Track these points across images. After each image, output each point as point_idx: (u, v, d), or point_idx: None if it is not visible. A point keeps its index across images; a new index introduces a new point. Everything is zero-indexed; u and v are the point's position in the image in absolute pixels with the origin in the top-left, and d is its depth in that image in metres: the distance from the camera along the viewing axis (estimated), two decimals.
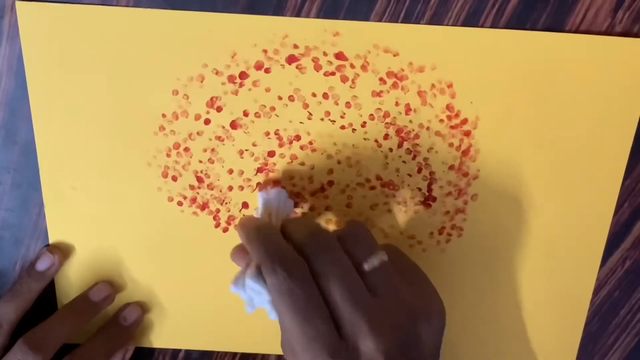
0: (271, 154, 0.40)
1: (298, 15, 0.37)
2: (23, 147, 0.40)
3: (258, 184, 0.40)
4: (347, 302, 0.32)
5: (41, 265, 0.41)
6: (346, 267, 0.33)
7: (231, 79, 0.38)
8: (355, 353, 0.31)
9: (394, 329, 0.32)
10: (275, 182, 0.40)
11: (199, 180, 0.40)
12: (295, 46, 0.38)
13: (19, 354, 0.38)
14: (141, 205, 0.41)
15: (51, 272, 0.41)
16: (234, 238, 0.42)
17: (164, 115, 0.39)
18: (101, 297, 0.42)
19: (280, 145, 0.40)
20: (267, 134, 0.39)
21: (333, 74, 0.38)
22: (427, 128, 0.39)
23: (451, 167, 0.40)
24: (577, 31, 0.38)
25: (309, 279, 0.32)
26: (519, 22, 0.38)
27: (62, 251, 0.42)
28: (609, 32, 0.38)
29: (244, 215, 0.41)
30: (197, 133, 0.39)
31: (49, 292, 0.43)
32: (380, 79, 0.38)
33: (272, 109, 0.39)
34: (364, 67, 0.38)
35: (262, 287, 0.32)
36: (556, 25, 0.38)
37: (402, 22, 0.37)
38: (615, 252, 0.43)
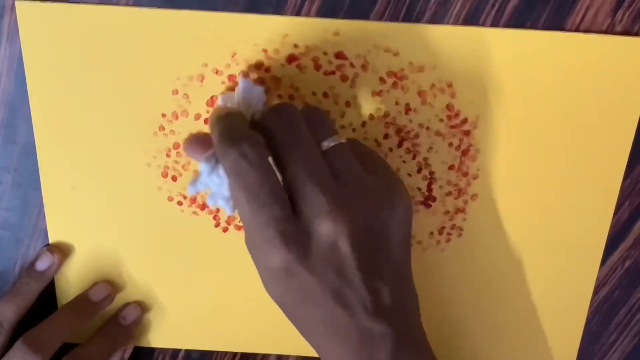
0: None
1: (298, 14, 0.37)
2: (23, 147, 0.40)
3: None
4: (308, 180, 0.30)
5: (41, 265, 0.41)
6: (310, 143, 0.31)
7: (231, 78, 0.38)
8: (312, 235, 0.30)
9: (357, 212, 0.30)
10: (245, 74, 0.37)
11: None
12: (295, 45, 0.38)
13: (18, 354, 0.38)
14: (141, 205, 0.41)
15: (51, 272, 0.41)
16: (234, 238, 0.42)
17: (163, 115, 0.39)
18: (101, 297, 0.42)
19: None
20: None
21: (333, 73, 0.38)
22: (427, 128, 0.39)
23: (451, 167, 0.40)
24: (577, 31, 0.38)
25: (265, 159, 0.30)
26: (519, 22, 0.38)
27: (62, 251, 0.42)
28: (609, 31, 0.38)
29: None
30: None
31: (49, 292, 0.43)
32: (380, 79, 0.38)
33: None
34: (363, 67, 0.38)
35: (217, 175, 0.30)
36: (556, 25, 0.38)
37: (402, 21, 0.37)
38: (615, 252, 0.43)
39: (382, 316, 0.31)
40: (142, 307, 0.43)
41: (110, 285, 0.43)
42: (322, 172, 0.31)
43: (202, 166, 0.31)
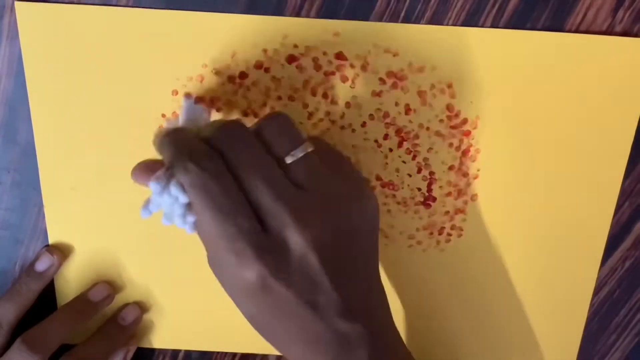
0: None
1: (298, 15, 0.37)
2: (23, 147, 0.40)
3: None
4: (267, 194, 0.29)
5: (41, 266, 0.41)
6: (264, 158, 0.30)
7: (231, 78, 0.38)
8: (283, 248, 0.29)
9: (322, 220, 0.30)
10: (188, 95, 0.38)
11: None
12: (295, 46, 0.38)
13: (17, 353, 0.38)
14: (141, 205, 0.41)
15: (51, 272, 0.41)
16: None
17: (163, 115, 0.39)
18: (100, 297, 0.42)
19: None
20: None
21: (333, 73, 0.38)
22: (427, 128, 0.39)
23: (451, 167, 0.40)
24: (577, 31, 0.38)
25: (225, 172, 0.30)
26: (519, 22, 0.38)
27: (62, 251, 0.42)
28: (609, 32, 0.38)
29: None
30: None
31: (49, 292, 0.43)
32: (380, 79, 0.38)
33: (272, 109, 0.39)
34: (363, 67, 0.38)
35: (174, 190, 0.30)
36: (556, 25, 0.38)
37: (402, 22, 0.37)
38: (615, 252, 0.43)
39: (357, 318, 0.31)
40: (142, 308, 0.43)
41: (110, 286, 0.43)
42: (280, 183, 0.30)
43: (152, 187, 0.30)
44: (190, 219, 0.30)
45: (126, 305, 0.43)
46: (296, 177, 0.31)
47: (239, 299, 0.32)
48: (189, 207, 0.30)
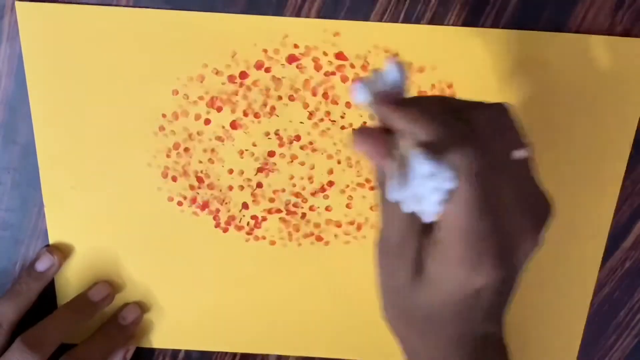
0: (271, 154, 0.40)
1: (298, 15, 0.37)
2: (23, 147, 0.40)
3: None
4: (512, 198, 0.27)
5: (41, 266, 0.41)
6: (506, 155, 0.28)
7: (231, 78, 0.38)
8: (513, 252, 0.27)
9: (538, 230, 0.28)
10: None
11: (199, 180, 0.40)
12: (296, 46, 0.38)
13: (16, 353, 0.38)
14: (141, 205, 0.41)
15: (51, 272, 0.41)
16: (234, 238, 0.42)
17: (164, 115, 0.39)
18: (100, 296, 0.42)
19: (280, 145, 0.40)
20: (267, 134, 0.39)
21: (333, 73, 0.38)
22: None
23: None
24: (577, 31, 0.38)
25: (498, 163, 0.27)
26: (519, 22, 0.38)
27: (62, 251, 0.42)
28: (609, 32, 0.38)
29: (243, 215, 0.41)
30: (197, 133, 0.39)
31: (49, 292, 0.42)
32: None
33: (272, 109, 0.39)
34: (364, 67, 0.38)
35: (439, 169, 0.25)
36: (556, 25, 0.38)
37: (402, 22, 0.37)
38: (615, 253, 0.43)
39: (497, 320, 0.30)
40: (142, 307, 0.43)
41: (110, 285, 0.43)
42: (522, 188, 0.28)
43: (421, 168, 0.25)
44: (444, 207, 0.26)
45: (126, 305, 0.43)
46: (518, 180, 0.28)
47: (434, 292, 0.28)
48: (449, 193, 0.26)
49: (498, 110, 0.28)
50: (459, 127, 0.26)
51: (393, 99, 0.27)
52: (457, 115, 0.27)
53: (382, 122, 0.27)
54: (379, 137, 0.26)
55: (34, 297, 0.41)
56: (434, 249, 0.27)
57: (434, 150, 0.25)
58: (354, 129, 0.28)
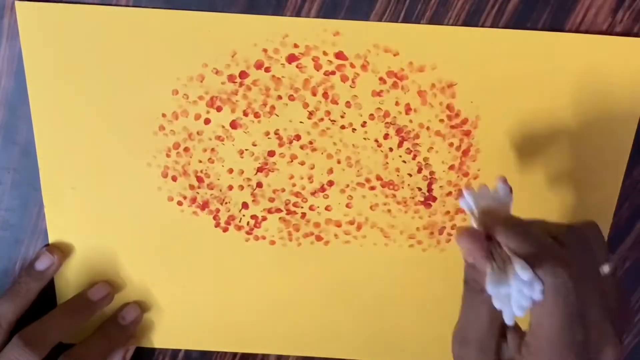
0: (271, 153, 0.40)
1: (298, 14, 0.37)
2: (23, 147, 0.40)
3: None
4: (598, 309, 0.30)
5: (41, 265, 0.41)
6: (596, 271, 0.31)
7: (231, 78, 0.38)
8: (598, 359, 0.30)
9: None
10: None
11: (199, 180, 0.40)
12: (295, 45, 0.38)
13: (14, 350, 0.38)
14: (141, 205, 0.41)
15: (51, 271, 0.41)
16: (234, 238, 0.42)
17: (164, 115, 0.39)
18: (100, 296, 0.42)
19: (280, 145, 0.40)
20: (267, 133, 0.39)
21: (333, 73, 0.38)
22: (427, 128, 0.39)
23: (451, 167, 0.40)
24: (577, 31, 0.38)
25: (583, 281, 0.30)
26: (519, 22, 0.38)
27: (62, 251, 0.42)
28: (609, 32, 0.38)
29: (243, 214, 0.41)
30: (197, 133, 0.39)
31: (49, 291, 0.43)
32: (380, 79, 0.38)
33: (272, 108, 0.39)
34: (364, 67, 0.38)
35: (534, 287, 0.29)
36: (556, 25, 0.38)
37: (402, 22, 0.37)
38: (615, 253, 0.43)
39: None
40: (142, 307, 0.43)
41: (110, 285, 0.43)
42: (607, 298, 0.31)
43: (522, 275, 0.29)
44: (526, 312, 0.30)
45: (126, 304, 0.43)
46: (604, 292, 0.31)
47: None
48: (535, 303, 0.30)
49: (587, 229, 0.33)
50: (554, 248, 0.30)
51: (500, 214, 0.33)
52: (553, 236, 0.31)
53: (484, 229, 0.32)
54: (480, 239, 0.31)
55: (34, 297, 0.41)
56: (524, 350, 0.31)
57: (531, 264, 0.29)
58: (459, 228, 0.34)
